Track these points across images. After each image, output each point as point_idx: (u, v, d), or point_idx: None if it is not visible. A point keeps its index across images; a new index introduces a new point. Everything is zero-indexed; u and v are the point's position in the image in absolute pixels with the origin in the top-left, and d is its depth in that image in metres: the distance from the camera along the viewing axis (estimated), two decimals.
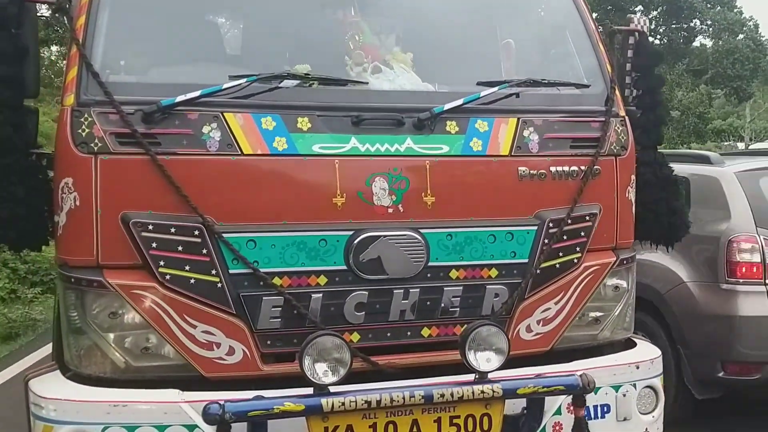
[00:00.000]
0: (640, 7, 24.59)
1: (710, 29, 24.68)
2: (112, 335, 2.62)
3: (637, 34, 3.49)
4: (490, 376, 2.62)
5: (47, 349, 6.74)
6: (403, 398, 2.49)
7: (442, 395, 2.52)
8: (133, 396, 2.56)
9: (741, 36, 24.34)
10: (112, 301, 2.60)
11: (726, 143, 28.62)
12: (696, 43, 24.23)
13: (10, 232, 2.88)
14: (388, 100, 2.91)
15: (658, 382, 3.06)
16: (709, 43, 25.07)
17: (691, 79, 20.88)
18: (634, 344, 3.21)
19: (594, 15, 3.28)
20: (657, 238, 3.65)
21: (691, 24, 25.00)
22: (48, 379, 2.72)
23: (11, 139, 2.78)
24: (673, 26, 24.55)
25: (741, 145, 25.87)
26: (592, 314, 3.07)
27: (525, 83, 2.99)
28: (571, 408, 2.73)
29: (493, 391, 2.55)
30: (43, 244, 3.06)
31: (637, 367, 3.01)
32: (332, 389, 2.49)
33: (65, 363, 2.74)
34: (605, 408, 2.93)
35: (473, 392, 2.54)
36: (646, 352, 3.13)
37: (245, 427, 2.45)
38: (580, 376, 2.65)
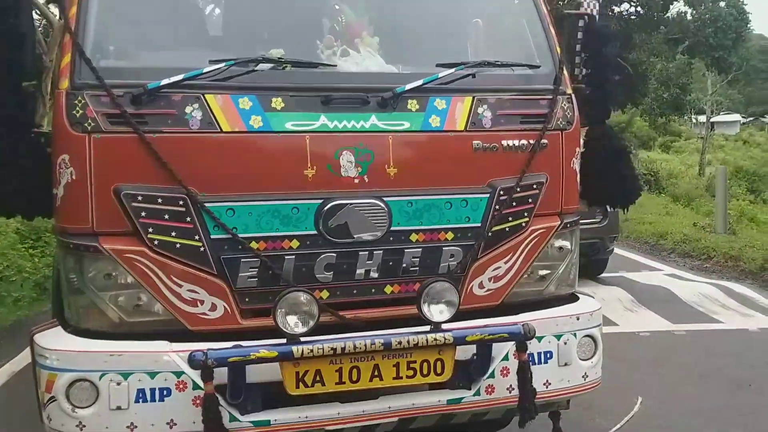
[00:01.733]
0: None
1: None
2: (107, 294, 2.89)
3: (586, 17, 3.76)
4: (444, 326, 2.94)
5: None
6: (365, 345, 2.82)
7: (400, 342, 2.86)
8: (127, 347, 2.83)
9: (723, 3, 24.02)
10: (107, 265, 2.87)
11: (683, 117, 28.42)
12: (674, 11, 23.74)
13: (22, 202, 3.13)
14: (354, 81, 3.17)
15: (597, 332, 3.38)
16: (688, 10, 24.67)
17: (669, 47, 20.72)
18: (578, 298, 3.54)
19: None
20: (613, 202, 4.03)
21: None
22: (51, 333, 2.99)
23: (18, 117, 3.03)
24: None
25: (702, 118, 25.69)
26: (539, 272, 3.37)
27: (480, 64, 3.26)
28: (516, 354, 3.07)
29: (445, 339, 2.89)
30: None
31: (578, 318, 3.33)
32: (303, 339, 2.80)
33: (66, 320, 3.02)
34: (548, 354, 3.25)
35: (427, 340, 2.88)
36: (587, 306, 3.45)
37: (226, 372, 2.78)
38: (522, 325, 3.00)
